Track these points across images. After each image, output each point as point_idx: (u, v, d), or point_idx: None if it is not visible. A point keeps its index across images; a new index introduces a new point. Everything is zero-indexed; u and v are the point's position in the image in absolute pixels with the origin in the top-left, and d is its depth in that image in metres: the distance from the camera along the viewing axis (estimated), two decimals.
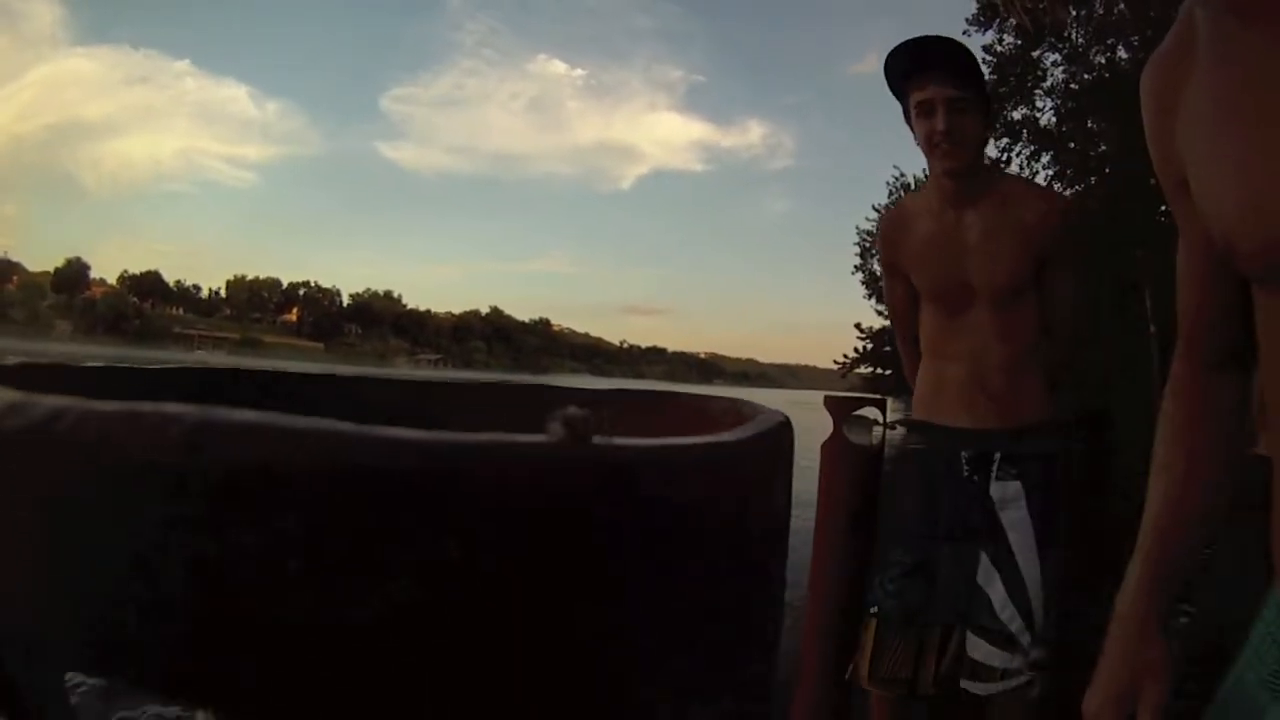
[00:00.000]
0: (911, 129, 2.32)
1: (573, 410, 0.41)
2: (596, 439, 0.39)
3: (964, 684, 2.26)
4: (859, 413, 2.57)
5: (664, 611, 0.43)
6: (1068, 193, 14.50)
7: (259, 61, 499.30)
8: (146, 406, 0.37)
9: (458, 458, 0.37)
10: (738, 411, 0.67)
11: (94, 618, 0.40)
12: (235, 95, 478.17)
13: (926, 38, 2.27)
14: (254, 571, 0.36)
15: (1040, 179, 15.53)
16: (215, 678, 0.38)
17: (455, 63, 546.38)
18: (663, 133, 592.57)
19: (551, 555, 0.39)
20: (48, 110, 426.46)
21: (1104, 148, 14.64)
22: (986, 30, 16.41)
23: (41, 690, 0.51)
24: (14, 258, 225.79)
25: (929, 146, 2.23)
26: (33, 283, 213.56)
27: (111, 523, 0.38)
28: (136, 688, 0.40)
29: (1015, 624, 2.20)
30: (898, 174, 21.97)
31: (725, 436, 0.48)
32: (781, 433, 0.53)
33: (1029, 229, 2.27)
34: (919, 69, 2.23)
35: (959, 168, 2.24)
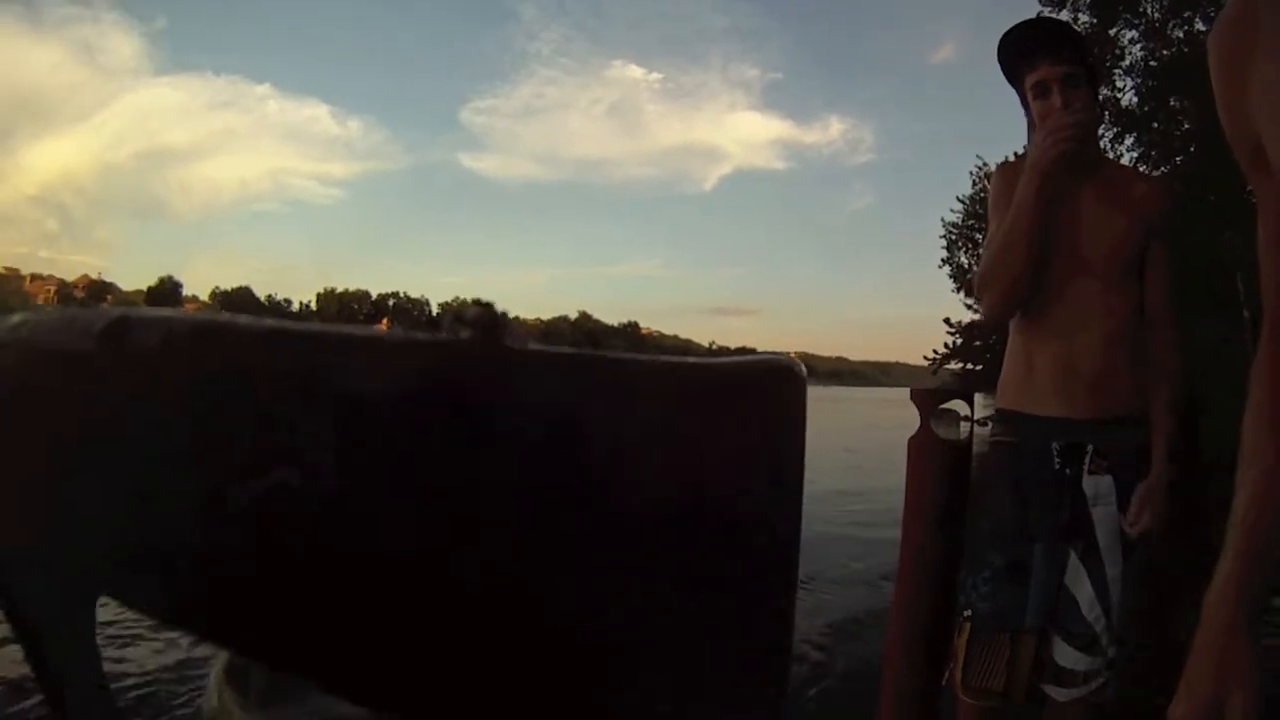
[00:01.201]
0: (1027, 112, 2.31)
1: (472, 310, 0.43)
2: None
3: (1047, 689, 2.21)
4: (946, 406, 2.53)
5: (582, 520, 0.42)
6: (1153, 175, 14.12)
7: (338, 81, 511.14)
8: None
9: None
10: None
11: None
12: (317, 115, 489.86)
13: (1038, 18, 2.33)
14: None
15: (1125, 161, 15.13)
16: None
17: (533, 72, 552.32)
18: (743, 132, 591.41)
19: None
20: (135, 138, 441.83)
21: (1187, 126, 14.17)
22: (1061, 9, 16.01)
23: (63, 623, 0.55)
24: (108, 278, 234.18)
25: (1036, 130, 2.22)
26: (127, 301, 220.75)
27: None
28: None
29: (1100, 625, 2.15)
30: (981, 163, 21.62)
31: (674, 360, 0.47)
32: (770, 372, 0.50)
33: (1139, 206, 2.26)
34: (1032, 50, 2.25)
35: (1076, 142, 2.19)
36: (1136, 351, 2.22)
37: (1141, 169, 13.73)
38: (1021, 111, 2.31)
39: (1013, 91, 2.32)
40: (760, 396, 0.49)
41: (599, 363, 0.41)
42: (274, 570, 0.40)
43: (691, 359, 0.45)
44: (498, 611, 0.40)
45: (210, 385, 0.41)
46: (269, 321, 0.41)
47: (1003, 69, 2.33)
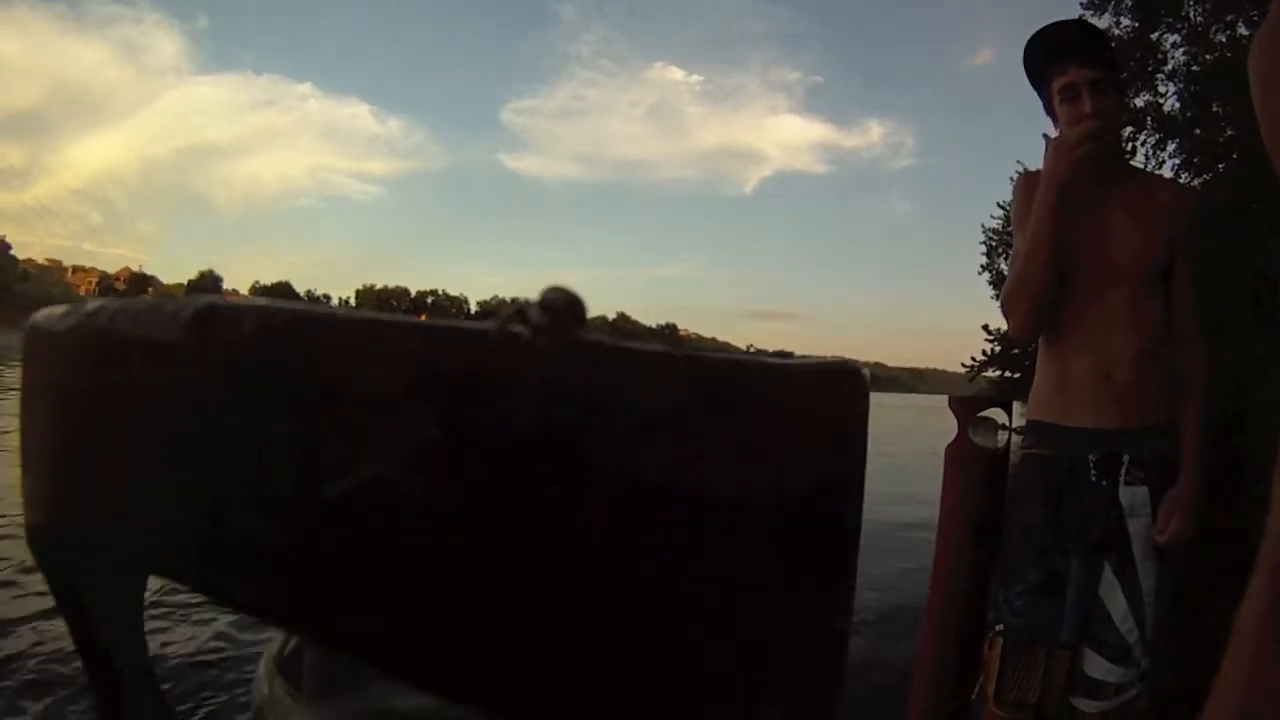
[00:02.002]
0: (1054, 117, 2.29)
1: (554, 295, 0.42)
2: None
3: (1075, 702, 2.20)
4: (984, 415, 2.52)
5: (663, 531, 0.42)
6: (1196, 182, 13.94)
7: (379, 80, 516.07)
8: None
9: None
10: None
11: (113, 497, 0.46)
12: (358, 113, 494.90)
13: (1065, 21, 2.30)
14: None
15: (1167, 169, 14.96)
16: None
17: (573, 74, 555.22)
18: (784, 135, 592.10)
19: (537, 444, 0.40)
20: (177, 135, 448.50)
21: (1230, 132, 13.98)
22: (1103, 13, 15.81)
23: (115, 608, 0.58)
24: (150, 271, 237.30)
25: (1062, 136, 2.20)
26: (167, 294, 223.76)
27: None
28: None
29: (1133, 636, 2.14)
30: (1021, 168, 21.39)
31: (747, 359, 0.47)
32: (836, 375, 0.50)
33: (1168, 214, 2.25)
34: (1060, 53, 2.23)
35: (1105, 149, 2.19)
36: (1168, 360, 2.20)
37: (1184, 176, 13.61)
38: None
39: None
40: (828, 399, 0.49)
41: (676, 360, 0.42)
42: (362, 561, 0.41)
43: (762, 359, 0.46)
44: (576, 605, 0.41)
45: (302, 376, 0.42)
46: (364, 313, 0.42)
47: (1028, 74, 2.31)
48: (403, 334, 0.41)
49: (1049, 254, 2.16)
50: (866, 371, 0.52)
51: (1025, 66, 2.30)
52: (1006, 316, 2.32)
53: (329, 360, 0.41)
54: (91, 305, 0.49)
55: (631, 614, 0.42)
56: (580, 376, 0.40)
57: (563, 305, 0.41)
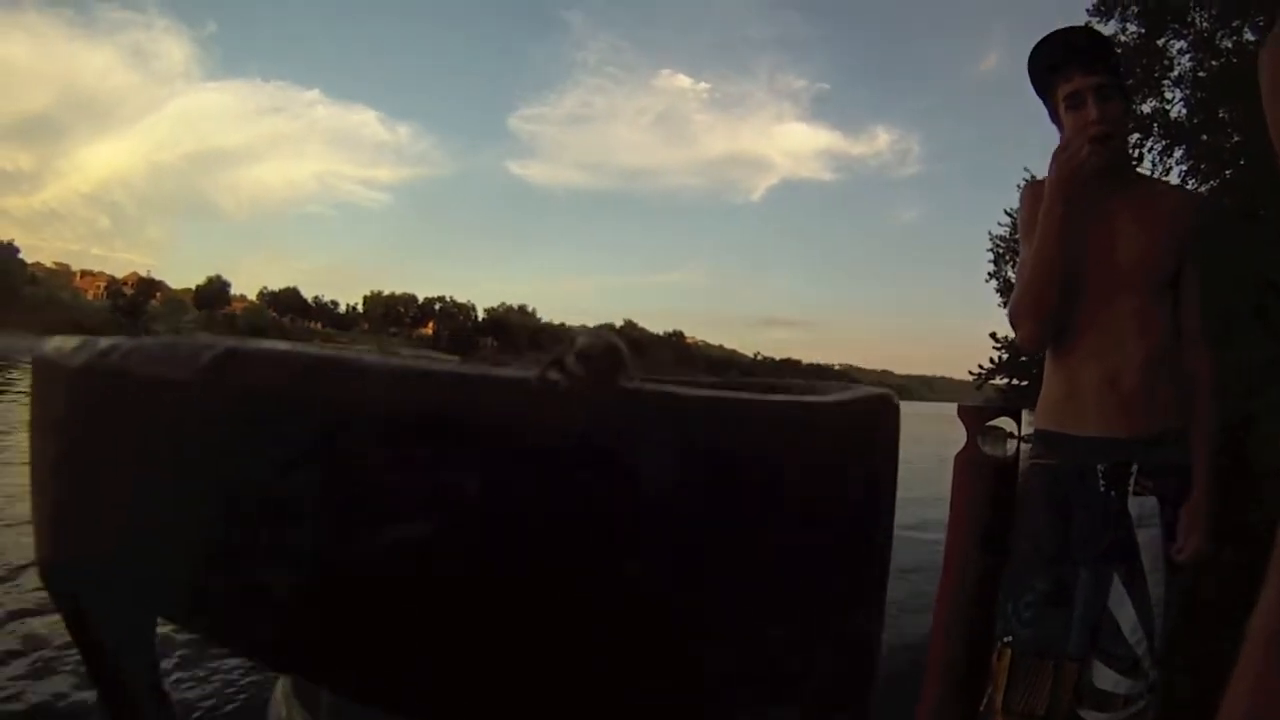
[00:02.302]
0: (1059, 125, 2.27)
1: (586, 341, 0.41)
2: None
3: (1084, 714, 2.18)
4: (993, 423, 2.50)
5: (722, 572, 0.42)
6: (1203, 188, 13.91)
7: (387, 87, 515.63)
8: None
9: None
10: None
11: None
12: (366, 120, 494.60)
13: (1069, 29, 2.29)
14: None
15: (1174, 175, 14.95)
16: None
17: (580, 81, 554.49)
18: (791, 143, 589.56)
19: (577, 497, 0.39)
20: (185, 141, 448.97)
21: (1237, 138, 13.96)
22: (1108, 20, 15.81)
23: (127, 637, 0.58)
24: (158, 276, 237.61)
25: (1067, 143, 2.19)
26: (175, 299, 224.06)
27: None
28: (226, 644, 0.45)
29: (1142, 648, 2.10)
30: (1029, 175, 21.28)
31: (797, 398, 0.48)
32: (872, 405, 0.52)
33: (1174, 220, 2.22)
34: (1065, 60, 2.22)
35: (1110, 155, 2.18)
36: (1176, 368, 2.19)
37: (1190, 182, 13.57)
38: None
39: None
40: (865, 429, 0.51)
41: (717, 404, 0.42)
42: (384, 612, 0.40)
43: (800, 399, 0.47)
44: (615, 650, 0.41)
45: (323, 424, 0.41)
46: (393, 360, 0.42)
47: (1033, 81, 2.30)
48: (433, 383, 0.41)
49: (1056, 263, 2.14)
50: (896, 398, 0.54)
51: (1030, 75, 2.28)
52: (1014, 325, 2.30)
53: (353, 409, 0.41)
54: (104, 343, 0.48)
55: (676, 651, 0.42)
56: (621, 425, 0.40)
57: (600, 354, 0.41)
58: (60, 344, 0.51)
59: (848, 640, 0.50)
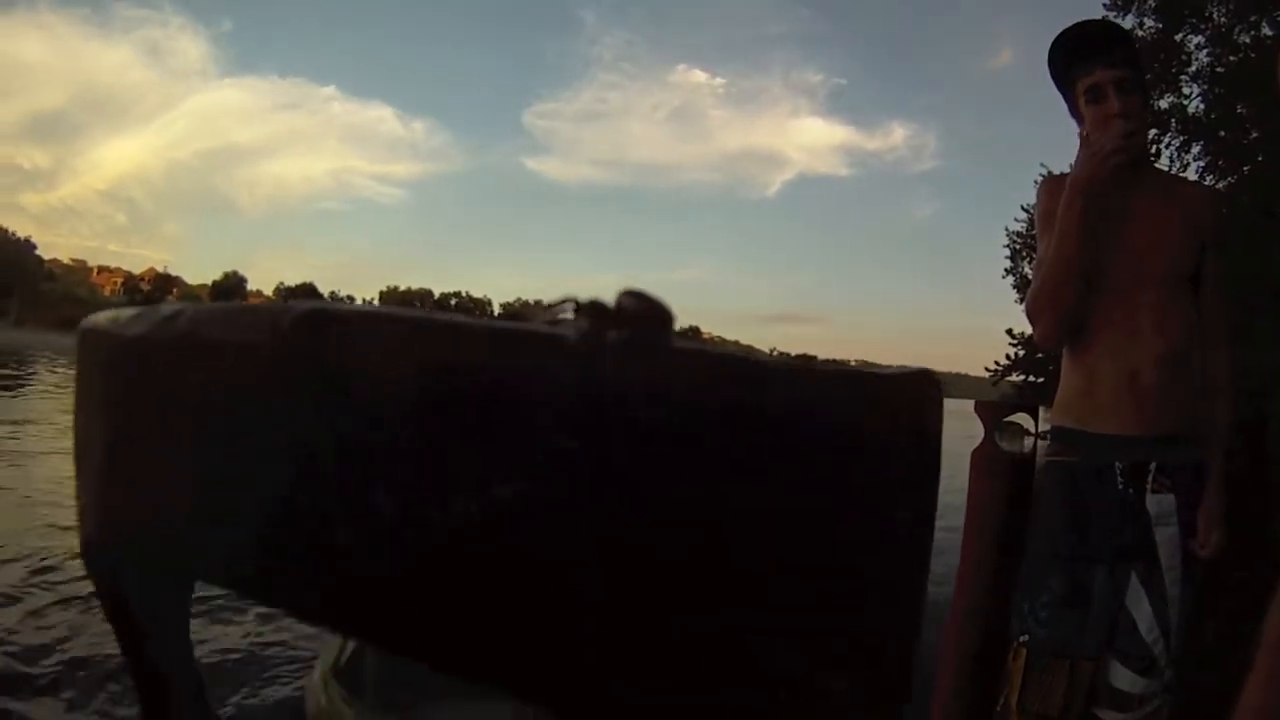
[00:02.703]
0: (1078, 119, 2.28)
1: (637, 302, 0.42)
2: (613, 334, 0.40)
3: (1100, 714, 2.18)
4: (1011, 419, 2.50)
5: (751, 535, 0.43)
6: (1221, 184, 13.82)
7: (402, 84, 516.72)
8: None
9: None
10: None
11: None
12: (382, 116, 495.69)
13: (1089, 21, 2.29)
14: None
15: (1192, 171, 14.86)
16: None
17: (595, 77, 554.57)
18: (806, 138, 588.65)
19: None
20: (201, 137, 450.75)
21: (1255, 134, 13.86)
22: (1125, 15, 15.68)
23: (166, 618, 0.58)
24: (174, 272, 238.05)
25: (1091, 136, 2.19)
26: (192, 294, 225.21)
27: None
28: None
29: (1158, 647, 2.12)
30: (1045, 171, 21.24)
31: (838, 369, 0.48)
32: (920, 379, 0.51)
33: (1194, 214, 2.23)
34: (1086, 53, 2.21)
35: (1134, 151, 2.18)
36: (1194, 365, 2.18)
37: (1209, 178, 13.50)
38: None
39: None
40: (908, 400, 0.50)
41: (761, 368, 0.43)
42: (456, 573, 0.41)
43: (844, 368, 0.47)
44: (660, 613, 0.41)
45: (420, 386, 0.41)
46: (479, 321, 0.41)
47: (1053, 74, 2.30)
48: (533, 344, 0.41)
49: (1077, 260, 2.13)
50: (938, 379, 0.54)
51: (1050, 68, 2.27)
52: (1032, 322, 2.29)
53: (452, 371, 0.40)
54: (166, 309, 0.47)
55: (718, 612, 0.42)
56: (679, 384, 0.40)
57: (645, 310, 0.41)
58: (111, 315, 0.50)
59: (888, 613, 0.49)
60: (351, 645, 0.91)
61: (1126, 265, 2.20)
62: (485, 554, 0.40)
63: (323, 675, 0.94)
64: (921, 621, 0.51)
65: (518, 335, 0.41)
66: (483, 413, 0.40)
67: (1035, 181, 2.76)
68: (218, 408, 0.44)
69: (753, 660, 0.43)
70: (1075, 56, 2.24)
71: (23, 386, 21.44)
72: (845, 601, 0.46)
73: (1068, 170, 2.25)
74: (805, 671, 0.45)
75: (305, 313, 0.42)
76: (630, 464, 0.40)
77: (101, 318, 0.51)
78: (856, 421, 0.46)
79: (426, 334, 0.41)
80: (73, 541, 0.55)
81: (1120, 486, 2.17)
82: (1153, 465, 2.15)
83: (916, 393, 0.50)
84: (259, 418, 0.43)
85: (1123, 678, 2.15)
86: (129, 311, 0.49)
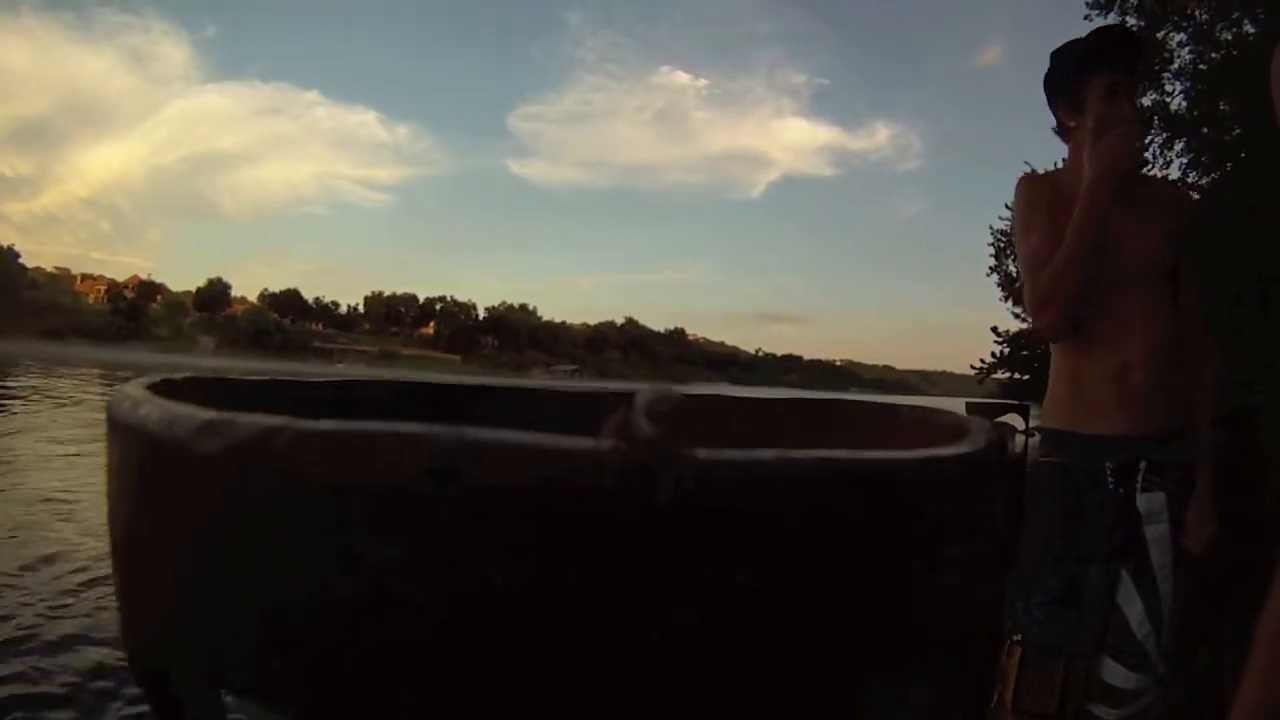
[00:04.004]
0: (1060, 119, 2.37)
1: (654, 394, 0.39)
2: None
3: (1093, 708, 2.21)
4: (1001, 419, 2.52)
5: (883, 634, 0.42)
6: (1205, 181, 13.92)
7: (386, 88, 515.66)
8: (376, 426, 0.35)
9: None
10: (929, 421, 0.67)
11: (306, 648, 0.38)
12: (365, 121, 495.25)
13: (1110, 26, 2.35)
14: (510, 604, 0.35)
15: (1175, 168, 14.98)
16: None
17: (579, 79, 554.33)
18: (791, 138, 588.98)
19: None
20: (184, 143, 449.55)
21: (1238, 131, 13.93)
22: (1108, 13, 15.79)
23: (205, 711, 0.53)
24: (158, 279, 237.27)
25: (1097, 131, 2.21)
26: (176, 301, 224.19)
27: (329, 546, 0.36)
28: None
29: (1150, 642, 2.17)
30: (1029, 169, 21.33)
31: (944, 450, 0.46)
32: (1004, 444, 0.52)
33: (1169, 213, 2.31)
34: (1112, 54, 2.27)
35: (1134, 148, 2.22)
36: (1181, 364, 2.22)
37: (1192, 175, 13.60)
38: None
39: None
40: (1000, 473, 0.53)
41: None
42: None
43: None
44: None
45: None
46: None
47: (1061, 69, 2.33)
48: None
49: (1092, 252, 2.15)
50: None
51: (1060, 62, 2.32)
52: (1038, 313, 2.30)
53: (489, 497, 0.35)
54: (247, 422, 0.39)
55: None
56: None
57: (669, 407, 0.38)
58: (169, 413, 0.43)
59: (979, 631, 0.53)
60: None
61: (1115, 266, 2.23)
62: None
63: None
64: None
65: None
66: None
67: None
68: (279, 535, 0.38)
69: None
70: (1101, 53, 2.27)
71: (2, 399, 21.24)
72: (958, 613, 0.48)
73: (1051, 169, 2.28)
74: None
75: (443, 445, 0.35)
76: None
77: (154, 416, 0.43)
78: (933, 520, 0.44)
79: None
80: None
81: (1111, 486, 2.21)
82: (1142, 464, 2.19)
83: (998, 468, 0.51)
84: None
85: (1115, 673, 2.18)
86: (185, 410, 0.42)
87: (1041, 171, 2.35)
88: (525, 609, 0.35)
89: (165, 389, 0.53)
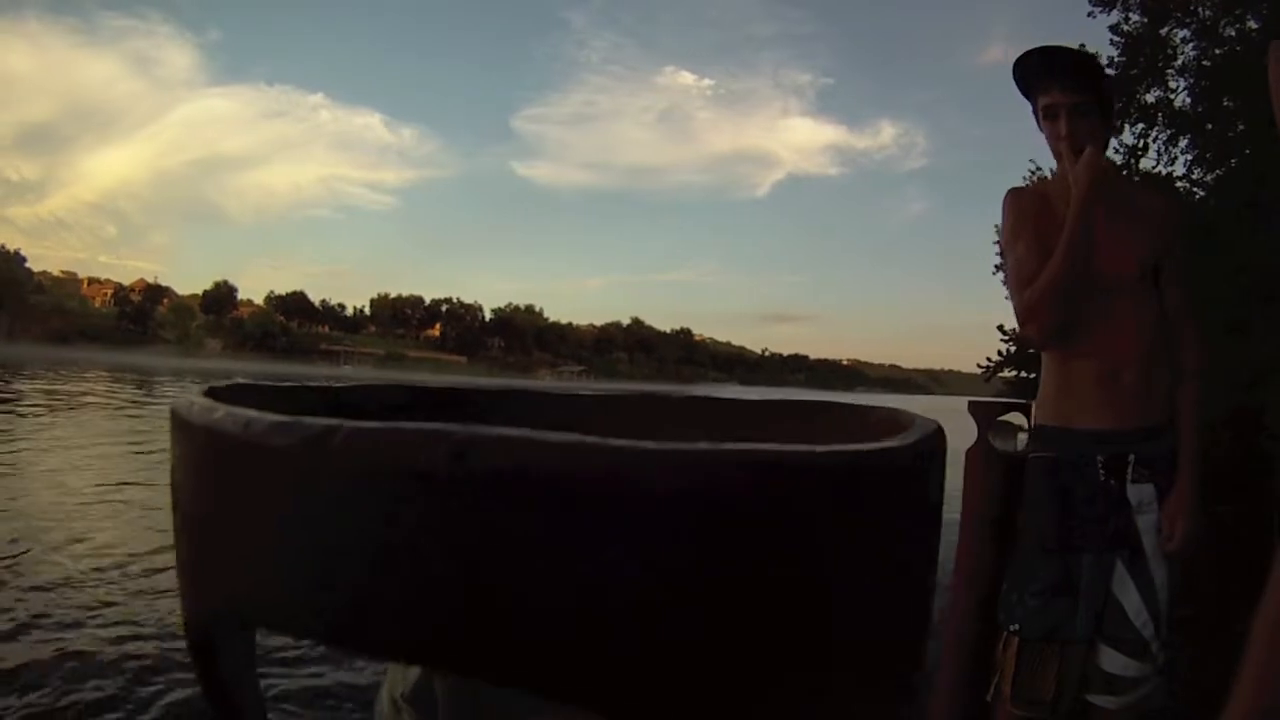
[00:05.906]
0: (1041, 130, 2.40)
1: None
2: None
3: (1094, 699, 2.24)
4: (1004, 418, 2.56)
5: (823, 618, 0.49)
6: (1209, 177, 13.90)
7: (390, 90, 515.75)
8: (410, 425, 0.45)
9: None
10: (895, 420, 0.73)
11: (344, 598, 0.47)
12: (370, 123, 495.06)
13: (1049, 47, 2.40)
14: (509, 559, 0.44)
15: (1179, 164, 14.97)
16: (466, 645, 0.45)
17: (584, 80, 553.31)
18: (796, 138, 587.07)
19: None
20: (189, 147, 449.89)
21: (1242, 127, 13.91)
22: (1111, 10, 15.75)
23: (242, 669, 0.65)
24: (164, 282, 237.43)
25: (1055, 150, 2.36)
26: (183, 304, 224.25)
27: (375, 520, 0.45)
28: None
29: (1148, 630, 2.21)
30: (1034, 168, 21.28)
31: (887, 443, 0.54)
32: (936, 439, 0.60)
33: (1155, 220, 2.36)
34: (1043, 75, 2.36)
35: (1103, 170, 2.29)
36: (1168, 361, 2.27)
37: (1196, 172, 13.59)
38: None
39: None
40: (932, 464, 0.59)
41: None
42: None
43: (848, 447, 0.51)
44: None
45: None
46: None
47: (1018, 86, 2.40)
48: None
49: (1077, 267, 2.24)
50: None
51: (1015, 81, 2.38)
52: (1028, 321, 2.35)
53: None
54: (315, 425, 0.48)
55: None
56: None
57: None
58: (246, 419, 0.51)
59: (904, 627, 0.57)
60: (416, 672, 0.93)
61: (1101, 267, 2.29)
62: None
63: (390, 701, 0.96)
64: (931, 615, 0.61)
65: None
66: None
67: (1024, 179, 2.80)
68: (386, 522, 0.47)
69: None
70: (1035, 75, 2.38)
71: (5, 402, 21.14)
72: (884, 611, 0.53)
73: (1048, 175, 2.32)
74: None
75: (458, 439, 0.44)
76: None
77: (229, 419, 0.53)
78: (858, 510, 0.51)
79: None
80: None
81: (1102, 478, 2.25)
82: (1131, 457, 2.23)
83: (927, 461, 0.57)
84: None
85: (1114, 662, 2.21)
86: (252, 414, 0.51)
87: (1045, 171, 2.39)
88: (512, 556, 0.43)
89: (218, 395, 0.64)
